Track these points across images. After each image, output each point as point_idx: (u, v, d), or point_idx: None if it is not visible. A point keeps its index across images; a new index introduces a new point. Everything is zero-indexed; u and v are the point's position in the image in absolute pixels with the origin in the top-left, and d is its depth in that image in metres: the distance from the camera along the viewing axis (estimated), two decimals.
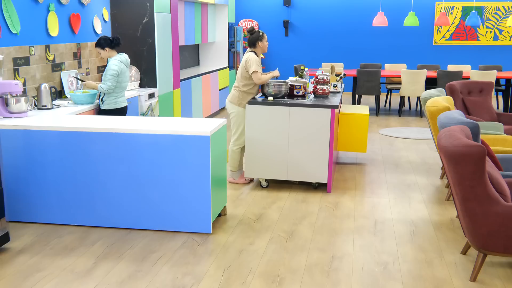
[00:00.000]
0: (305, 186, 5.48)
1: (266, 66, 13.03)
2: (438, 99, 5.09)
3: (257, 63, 5.26)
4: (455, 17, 12.19)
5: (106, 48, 5.22)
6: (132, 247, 3.94)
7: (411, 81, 9.60)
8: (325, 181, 5.19)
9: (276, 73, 5.40)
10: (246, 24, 12.73)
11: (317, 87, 5.54)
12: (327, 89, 5.55)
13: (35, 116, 4.65)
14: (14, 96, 4.51)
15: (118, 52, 6.27)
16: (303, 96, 5.40)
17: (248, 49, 5.44)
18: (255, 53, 5.34)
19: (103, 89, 5.12)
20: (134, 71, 6.78)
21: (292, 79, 5.74)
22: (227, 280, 3.42)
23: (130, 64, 6.83)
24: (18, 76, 5.02)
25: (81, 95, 5.30)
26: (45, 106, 5.05)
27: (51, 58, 5.55)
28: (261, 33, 5.35)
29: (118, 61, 5.18)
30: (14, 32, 4.93)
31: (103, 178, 4.20)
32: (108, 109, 5.25)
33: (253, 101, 5.18)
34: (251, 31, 5.38)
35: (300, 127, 5.12)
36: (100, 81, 6.39)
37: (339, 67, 10.81)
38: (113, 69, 5.11)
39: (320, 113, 5.06)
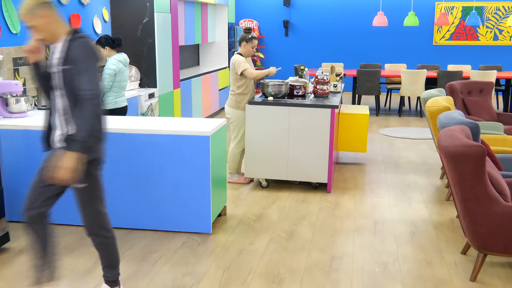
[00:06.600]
0: (305, 186, 5.48)
1: (266, 66, 13.03)
2: (438, 99, 5.09)
3: (244, 61, 5.27)
4: (455, 17, 12.19)
5: (107, 48, 5.18)
6: (132, 247, 3.94)
7: (411, 81, 9.60)
8: (325, 181, 5.19)
9: (272, 70, 5.38)
10: (246, 24, 12.73)
11: (317, 87, 5.54)
12: (327, 89, 5.55)
13: (35, 116, 4.65)
14: (14, 96, 4.51)
15: (118, 52, 6.26)
16: (303, 96, 5.40)
17: (235, 52, 5.47)
18: (241, 55, 5.35)
19: None
20: (134, 71, 6.78)
21: (292, 79, 5.74)
22: (227, 280, 3.42)
23: (130, 64, 6.82)
24: (18, 76, 5.02)
25: None
26: (45, 106, 5.04)
27: None
28: (250, 36, 5.33)
29: (116, 60, 5.14)
30: (14, 32, 4.93)
31: (103, 178, 4.20)
32: (108, 109, 5.24)
33: (253, 101, 5.18)
34: (247, 29, 5.40)
35: (300, 127, 5.12)
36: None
37: (339, 67, 10.81)
38: (111, 68, 5.08)
39: (320, 113, 5.06)
